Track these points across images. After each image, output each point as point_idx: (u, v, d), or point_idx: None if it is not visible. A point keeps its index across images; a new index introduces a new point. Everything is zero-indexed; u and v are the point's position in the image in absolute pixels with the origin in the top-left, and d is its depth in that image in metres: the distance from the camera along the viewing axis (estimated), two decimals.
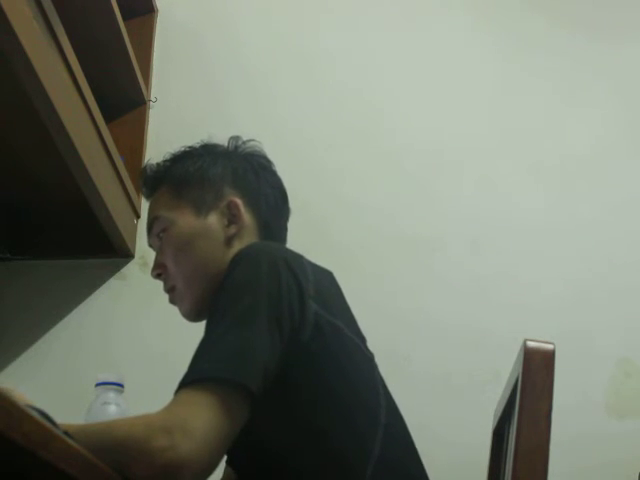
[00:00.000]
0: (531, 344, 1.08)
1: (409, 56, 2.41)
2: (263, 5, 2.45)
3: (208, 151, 1.32)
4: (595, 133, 2.34)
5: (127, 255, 2.17)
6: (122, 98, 2.24)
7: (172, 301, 1.27)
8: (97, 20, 1.97)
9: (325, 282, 1.16)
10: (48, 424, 0.67)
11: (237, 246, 1.22)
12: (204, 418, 0.93)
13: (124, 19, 2.05)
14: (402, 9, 2.46)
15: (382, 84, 2.38)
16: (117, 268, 2.18)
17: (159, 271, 1.26)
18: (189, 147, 1.34)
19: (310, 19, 2.45)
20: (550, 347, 1.08)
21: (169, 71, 2.38)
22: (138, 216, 2.19)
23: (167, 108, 2.33)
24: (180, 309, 1.27)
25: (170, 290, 1.26)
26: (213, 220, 1.24)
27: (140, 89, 2.26)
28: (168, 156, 1.33)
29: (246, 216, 1.25)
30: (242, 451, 1.11)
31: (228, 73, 2.38)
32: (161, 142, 2.25)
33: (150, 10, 2.40)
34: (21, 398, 1.01)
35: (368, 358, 1.18)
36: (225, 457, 1.15)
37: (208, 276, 1.20)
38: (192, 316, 1.25)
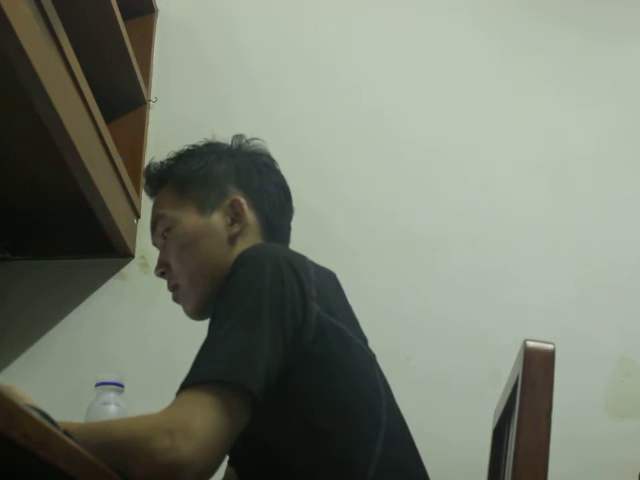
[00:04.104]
0: (531, 344, 1.08)
1: (410, 56, 2.41)
2: (263, 5, 2.45)
3: (212, 150, 1.32)
4: (596, 133, 2.34)
5: (127, 255, 2.17)
6: (122, 98, 2.23)
7: (175, 299, 1.27)
8: (97, 20, 1.97)
9: (327, 283, 1.16)
10: (48, 424, 0.67)
11: (240, 245, 1.22)
12: (205, 419, 0.93)
13: (124, 19, 2.05)
14: (403, 9, 2.46)
15: (383, 83, 2.38)
16: (117, 268, 2.18)
17: (163, 270, 1.27)
18: (193, 146, 1.34)
19: (310, 17, 2.45)
20: (550, 347, 1.08)
21: (169, 71, 2.38)
22: (138, 216, 2.19)
23: (167, 108, 2.33)
24: (183, 307, 1.27)
25: (173, 288, 1.26)
26: (216, 219, 1.24)
27: (140, 89, 2.26)
28: (172, 155, 1.33)
29: (249, 215, 1.25)
30: (244, 451, 1.11)
31: (228, 73, 2.38)
32: (161, 142, 2.24)
33: (150, 10, 2.40)
34: (22, 395, 1.01)
35: (370, 358, 1.18)
36: (227, 457, 1.16)
37: (211, 275, 1.21)
38: (195, 315, 1.26)
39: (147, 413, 0.96)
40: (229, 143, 1.35)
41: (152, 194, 1.33)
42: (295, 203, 1.36)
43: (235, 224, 1.24)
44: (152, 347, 2.09)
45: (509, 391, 1.22)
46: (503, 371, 1.40)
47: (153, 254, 1.31)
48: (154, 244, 1.31)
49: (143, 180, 1.36)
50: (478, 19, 2.45)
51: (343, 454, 1.07)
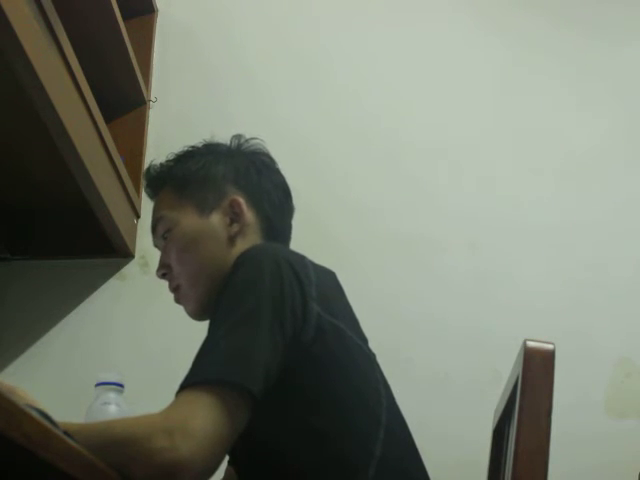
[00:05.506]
0: (531, 344, 1.08)
1: (409, 56, 2.41)
2: (263, 5, 2.45)
3: (211, 150, 1.33)
4: (595, 133, 2.34)
5: (127, 255, 2.17)
6: (122, 98, 2.23)
7: (177, 300, 1.28)
8: (97, 20, 1.97)
9: (327, 283, 1.16)
10: (48, 424, 0.67)
11: (240, 245, 1.22)
12: (205, 419, 0.93)
13: (124, 19, 2.05)
14: (403, 9, 2.46)
15: (382, 83, 2.38)
16: (117, 268, 2.18)
17: (164, 271, 1.27)
18: (192, 147, 1.34)
19: (310, 19, 2.45)
20: (550, 347, 1.08)
21: (169, 71, 2.38)
22: (138, 216, 2.19)
23: (167, 108, 2.33)
24: (185, 308, 1.27)
25: (175, 290, 1.27)
26: (216, 219, 1.24)
27: (140, 89, 2.26)
28: (171, 156, 1.34)
29: (248, 214, 1.26)
30: (244, 451, 1.11)
31: (228, 73, 2.38)
32: (161, 142, 2.25)
33: (150, 10, 2.40)
34: (24, 396, 1.01)
35: (369, 359, 1.18)
36: (227, 457, 1.16)
37: (212, 275, 1.21)
38: (197, 315, 1.26)
39: (147, 413, 0.96)
40: (228, 143, 1.35)
41: (152, 196, 1.34)
42: (294, 203, 1.36)
43: (234, 224, 1.24)
44: (152, 347, 2.09)
45: (509, 391, 1.22)
46: (503, 371, 1.40)
47: (153, 254, 1.31)
48: (155, 246, 1.32)
49: (143, 182, 1.36)
50: (478, 20, 2.45)
51: (343, 454, 1.07)
